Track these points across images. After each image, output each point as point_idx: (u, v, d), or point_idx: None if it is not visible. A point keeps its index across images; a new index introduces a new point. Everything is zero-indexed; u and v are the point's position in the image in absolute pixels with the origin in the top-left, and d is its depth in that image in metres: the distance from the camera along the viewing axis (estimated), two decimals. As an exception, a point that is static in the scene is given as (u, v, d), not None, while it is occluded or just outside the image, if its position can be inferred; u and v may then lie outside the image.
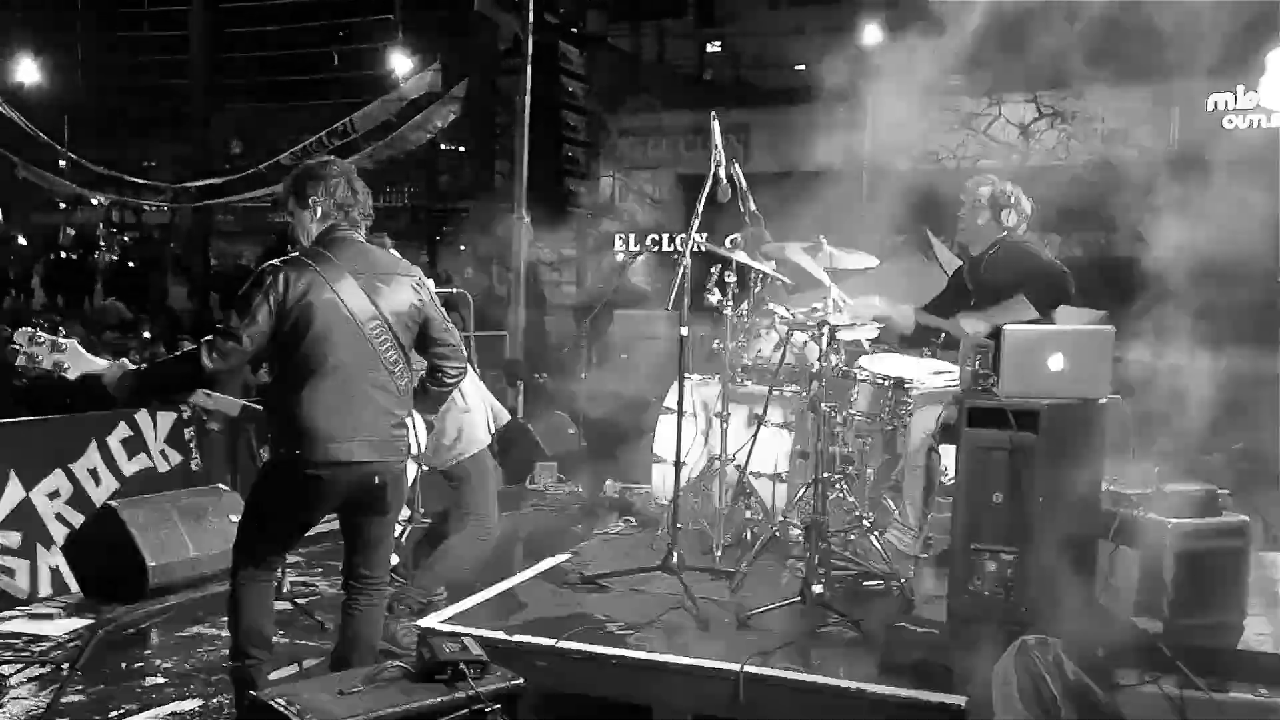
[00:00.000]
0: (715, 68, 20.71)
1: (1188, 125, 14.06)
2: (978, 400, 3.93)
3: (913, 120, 16.66)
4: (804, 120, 17.71)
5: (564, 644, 3.75)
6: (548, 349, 11.98)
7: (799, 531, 4.55)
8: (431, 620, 4.03)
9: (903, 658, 3.48)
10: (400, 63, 15.68)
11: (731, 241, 4.86)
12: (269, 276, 3.46)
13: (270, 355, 3.55)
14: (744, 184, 4.91)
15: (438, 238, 19.89)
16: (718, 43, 20.90)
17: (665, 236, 19.88)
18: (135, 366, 3.55)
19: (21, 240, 20.28)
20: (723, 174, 4.60)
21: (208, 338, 3.46)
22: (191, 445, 7.85)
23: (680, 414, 4.69)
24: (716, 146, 4.57)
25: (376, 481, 3.59)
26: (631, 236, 19.21)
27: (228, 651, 3.81)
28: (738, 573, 4.39)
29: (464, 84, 13.48)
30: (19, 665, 4.60)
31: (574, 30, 9.78)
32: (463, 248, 20.99)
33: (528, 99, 9.33)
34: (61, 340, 3.44)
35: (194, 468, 7.79)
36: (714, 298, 4.80)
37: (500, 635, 3.83)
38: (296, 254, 3.58)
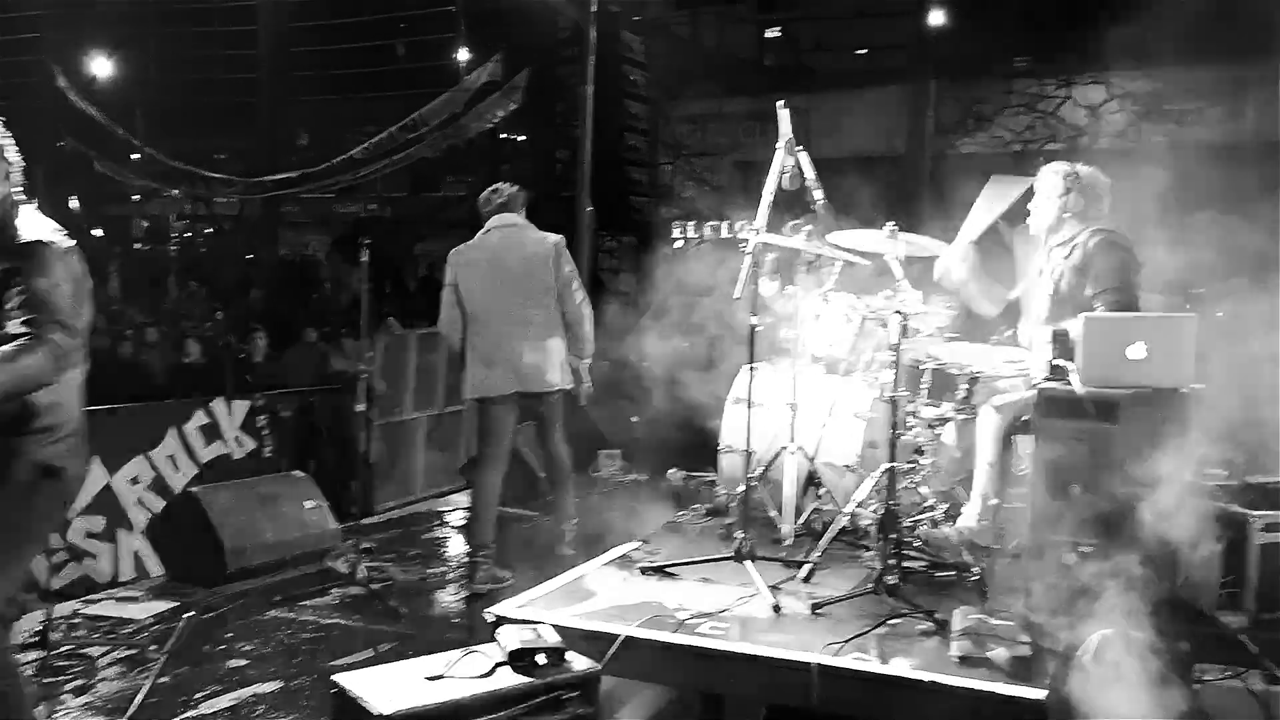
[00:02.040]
0: (775, 53, 20.54)
1: (1265, 107, 13.66)
2: (1054, 389, 3.87)
3: (977, 103, 16.41)
4: (865, 105, 17.56)
5: (636, 632, 3.77)
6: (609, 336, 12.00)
7: (870, 522, 4.52)
8: (503, 607, 4.08)
9: (979, 650, 3.45)
10: (464, 54, 15.79)
11: (794, 227, 4.83)
12: None
13: None
14: (812, 172, 4.86)
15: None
16: (777, 28, 20.72)
17: (725, 224, 19.82)
18: None
19: (96, 232, 20.80)
20: (791, 162, 4.56)
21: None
22: (264, 432, 8.04)
23: (750, 404, 4.69)
24: (785, 135, 4.54)
25: None
26: (690, 224, 19.17)
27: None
28: (809, 563, 4.38)
29: (525, 74, 13.58)
30: (106, 647, 4.75)
31: (635, 19, 9.77)
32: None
33: (590, 88, 9.35)
34: None
35: (266, 454, 7.98)
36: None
37: (570, 623, 3.86)
38: None
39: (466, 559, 5.83)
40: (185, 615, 3.70)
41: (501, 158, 19.63)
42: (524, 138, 18.86)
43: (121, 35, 19.22)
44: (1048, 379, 3.92)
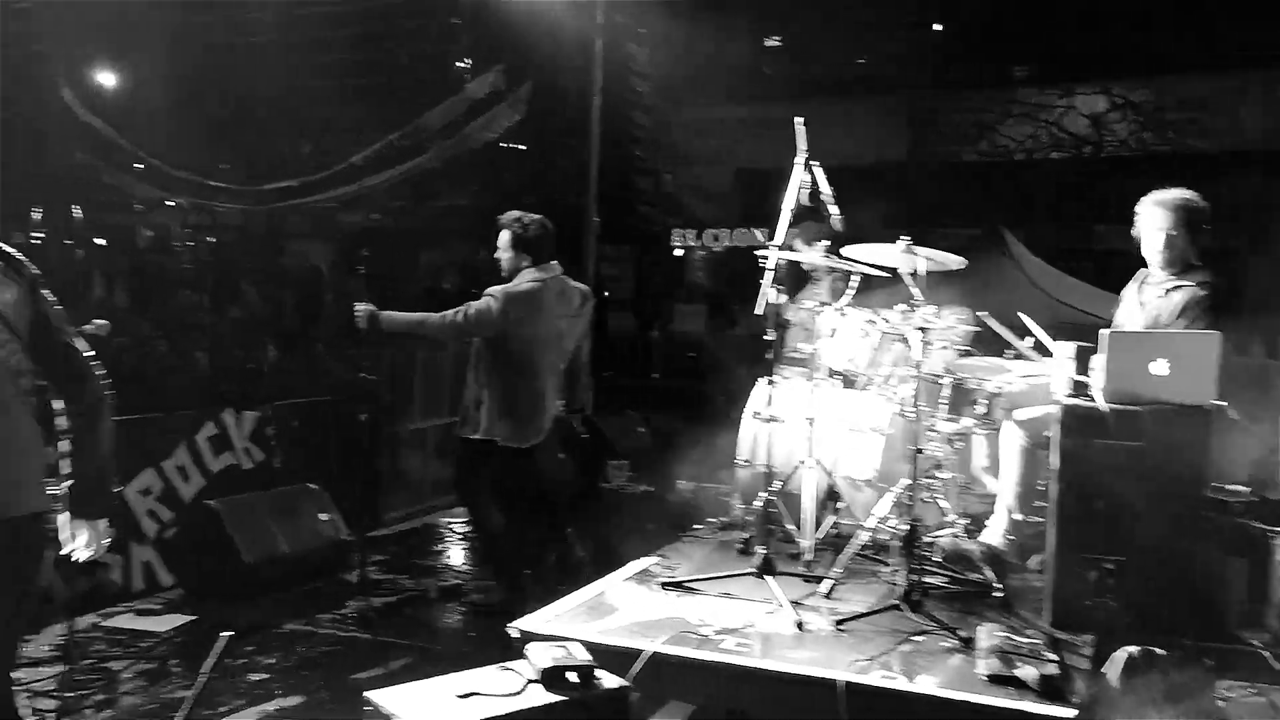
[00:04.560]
0: (774, 62, 20.59)
1: (1268, 113, 13.74)
2: (1077, 405, 3.89)
3: (979, 112, 16.49)
4: (865, 114, 17.64)
5: (661, 648, 3.78)
6: (613, 345, 12.05)
7: (891, 536, 4.53)
8: (526, 622, 4.08)
9: (1007, 668, 3.46)
10: (466, 63, 15.84)
11: (816, 243, 4.85)
12: None
13: None
14: (826, 185, 4.88)
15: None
16: (776, 37, 20.78)
17: (727, 232, 19.86)
18: None
19: (100, 241, 20.78)
20: (808, 177, 4.59)
21: None
22: (273, 443, 8.03)
23: (768, 417, 4.70)
24: (803, 150, 4.56)
25: None
26: (691, 232, 19.22)
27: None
28: (830, 578, 4.39)
29: (528, 85, 13.59)
30: (127, 661, 4.75)
31: (641, 30, 9.84)
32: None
33: (598, 99, 9.38)
34: None
35: (276, 465, 7.96)
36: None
37: (595, 638, 3.87)
38: None
39: (490, 583, 5.78)
40: (223, 634, 3.68)
41: (503, 167, 19.66)
42: (524, 147, 18.90)
43: (125, 46, 19.23)
44: (1071, 394, 3.94)
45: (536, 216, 5.58)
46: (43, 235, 18.27)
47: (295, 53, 17.79)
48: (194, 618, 5.39)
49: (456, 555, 7.14)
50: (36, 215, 21.40)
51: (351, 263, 16.07)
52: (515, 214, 5.57)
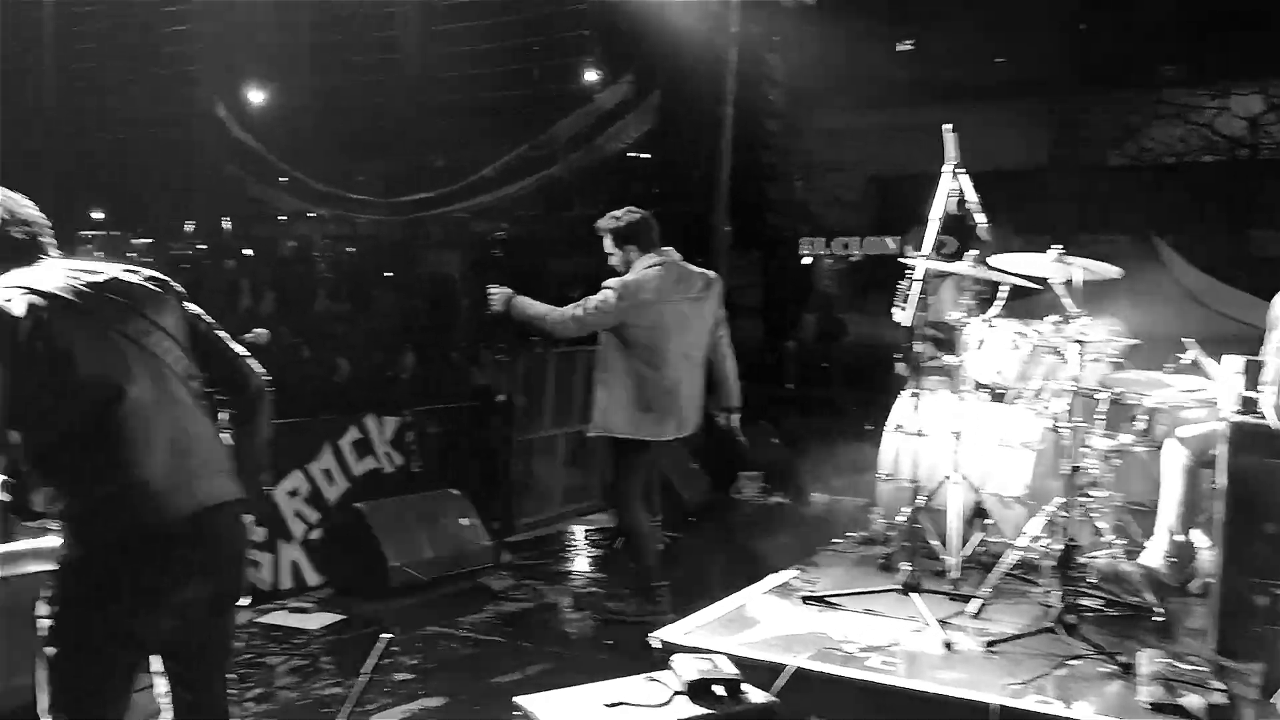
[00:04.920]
0: (908, 66, 20.22)
1: None
2: (1245, 422, 3.70)
3: (1125, 114, 15.85)
4: (1006, 117, 17.14)
5: (805, 664, 3.74)
6: (742, 354, 11.98)
7: (1043, 556, 4.38)
8: (668, 632, 4.09)
9: (1170, 697, 3.31)
10: (596, 75, 16.05)
11: (967, 253, 4.73)
12: None
13: None
14: (974, 195, 4.76)
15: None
16: (910, 40, 20.40)
17: (857, 239, 19.56)
18: None
19: (247, 252, 21.77)
20: (956, 186, 4.49)
21: None
22: (412, 448, 8.24)
23: (911, 431, 4.61)
24: (952, 158, 4.47)
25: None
26: (818, 240, 18.98)
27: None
28: (979, 597, 4.27)
29: (657, 94, 13.70)
30: (283, 657, 4.94)
31: (775, 38, 9.79)
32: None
33: (730, 108, 9.37)
34: None
35: (414, 469, 8.16)
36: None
37: (736, 651, 3.85)
38: None
39: (624, 591, 5.80)
40: (383, 635, 3.80)
41: (631, 176, 19.82)
42: (650, 156, 19.00)
43: (273, 65, 20.12)
44: (1238, 411, 3.75)
45: (629, 209, 5.56)
46: (205, 246, 19.17)
47: (430, 68, 18.33)
48: (343, 617, 5.56)
49: (590, 562, 7.20)
50: (189, 227, 22.58)
51: (484, 271, 16.42)
52: (609, 215, 5.57)
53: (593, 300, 5.39)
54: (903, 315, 4.40)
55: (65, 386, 2.52)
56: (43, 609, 2.55)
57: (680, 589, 5.46)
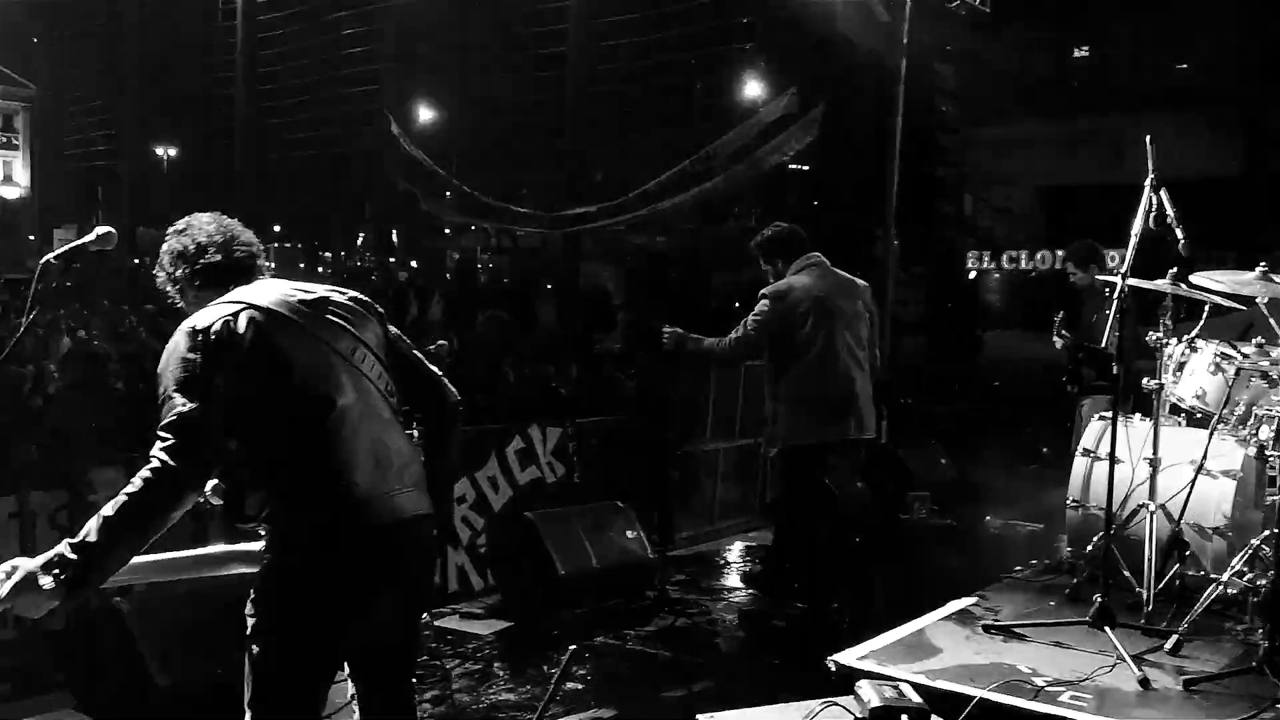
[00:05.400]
0: (1082, 73, 19.46)
1: None
2: None
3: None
4: (1187, 125, 16.28)
5: (990, 696, 3.60)
6: (907, 372, 11.71)
7: (1243, 591, 4.11)
8: (845, 656, 4.01)
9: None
10: (759, 88, 15.99)
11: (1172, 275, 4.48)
12: None
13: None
14: (1172, 209, 4.52)
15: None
16: (1085, 47, 19.65)
17: (1023, 254, 18.91)
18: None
19: (414, 264, 22.61)
20: (1155, 200, 4.27)
21: None
22: (574, 458, 8.35)
23: (1104, 457, 4.40)
24: (1152, 171, 4.24)
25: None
26: (986, 254, 18.43)
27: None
28: (1176, 633, 4.04)
29: (821, 107, 13.54)
30: (456, 661, 5.06)
31: (947, 48, 9.54)
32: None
33: (899, 120, 9.17)
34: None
35: (576, 480, 8.27)
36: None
37: (916, 678, 3.74)
38: None
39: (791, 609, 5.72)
40: (570, 647, 3.86)
41: (790, 189, 19.67)
42: (808, 168, 18.82)
43: (444, 84, 20.84)
44: None
45: (774, 224, 5.84)
46: (386, 260, 20.00)
47: (592, 83, 18.63)
48: (512, 624, 5.67)
49: (754, 579, 7.12)
50: (359, 240, 23.57)
51: (644, 284, 16.59)
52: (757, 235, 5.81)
53: (750, 317, 5.55)
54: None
55: (281, 397, 2.65)
56: (249, 608, 2.67)
57: (853, 609, 5.35)
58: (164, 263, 2.89)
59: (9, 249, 45.93)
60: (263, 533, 2.71)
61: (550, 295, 17.84)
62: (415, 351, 3.00)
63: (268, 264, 2.97)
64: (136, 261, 21.74)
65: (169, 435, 2.52)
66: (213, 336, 2.60)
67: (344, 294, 2.89)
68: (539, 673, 4.97)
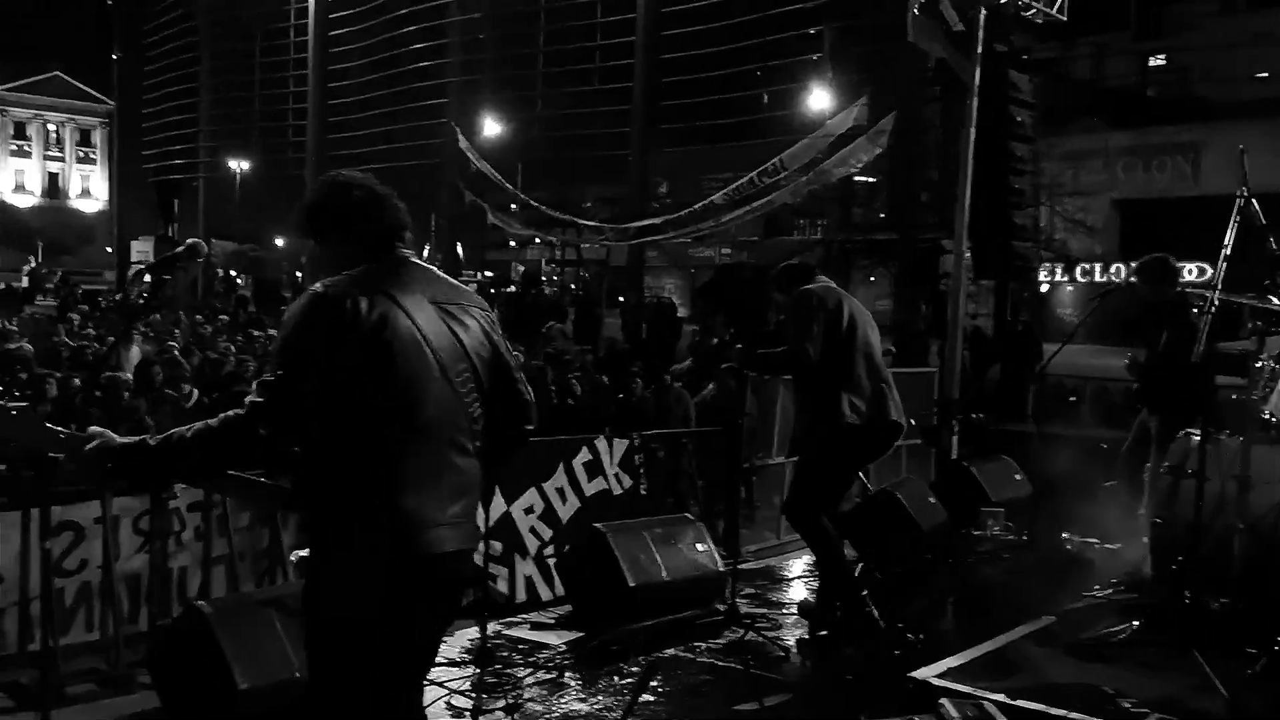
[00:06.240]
0: (1159, 83, 19.10)
1: None
2: None
3: None
4: (1264, 136, 15.86)
5: (1077, 717, 3.52)
6: (978, 386, 11.52)
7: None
8: (924, 672, 3.95)
9: None
10: (827, 99, 15.92)
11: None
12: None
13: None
14: (1262, 219, 4.41)
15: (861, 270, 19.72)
16: (1162, 56, 19.28)
17: (1097, 266, 18.55)
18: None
19: (479, 276, 22.87)
20: (1246, 210, 4.17)
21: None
22: (640, 470, 8.34)
23: (1190, 474, 4.29)
24: (1243, 182, 4.15)
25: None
26: (1059, 266, 18.12)
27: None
28: (1268, 655, 3.91)
29: (891, 117, 13.42)
30: (529, 670, 5.08)
31: (1024, 56, 9.40)
32: (871, 279, 20.87)
33: (973, 131, 9.05)
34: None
35: (642, 491, 8.27)
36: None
37: (1001, 699, 3.67)
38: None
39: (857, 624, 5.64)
40: (648, 658, 3.86)
41: (855, 201, 19.53)
42: (874, 180, 18.67)
43: (511, 99, 21.08)
44: None
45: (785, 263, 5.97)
46: (456, 273, 20.26)
47: (659, 97, 18.71)
48: (582, 634, 5.67)
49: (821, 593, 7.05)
50: (425, 253, 23.91)
51: (707, 296, 16.57)
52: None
53: (791, 320, 5.55)
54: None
55: (370, 395, 2.59)
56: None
57: (925, 626, 5.26)
58: (314, 210, 2.82)
59: (86, 261, 47.43)
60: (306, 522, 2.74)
61: (614, 307, 17.90)
62: (517, 373, 2.92)
63: (414, 253, 2.86)
64: (222, 273, 22.22)
65: (260, 394, 2.57)
66: (336, 312, 2.57)
67: (472, 301, 2.84)
68: (610, 683, 4.96)
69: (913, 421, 9.33)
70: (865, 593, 5.50)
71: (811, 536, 5.63)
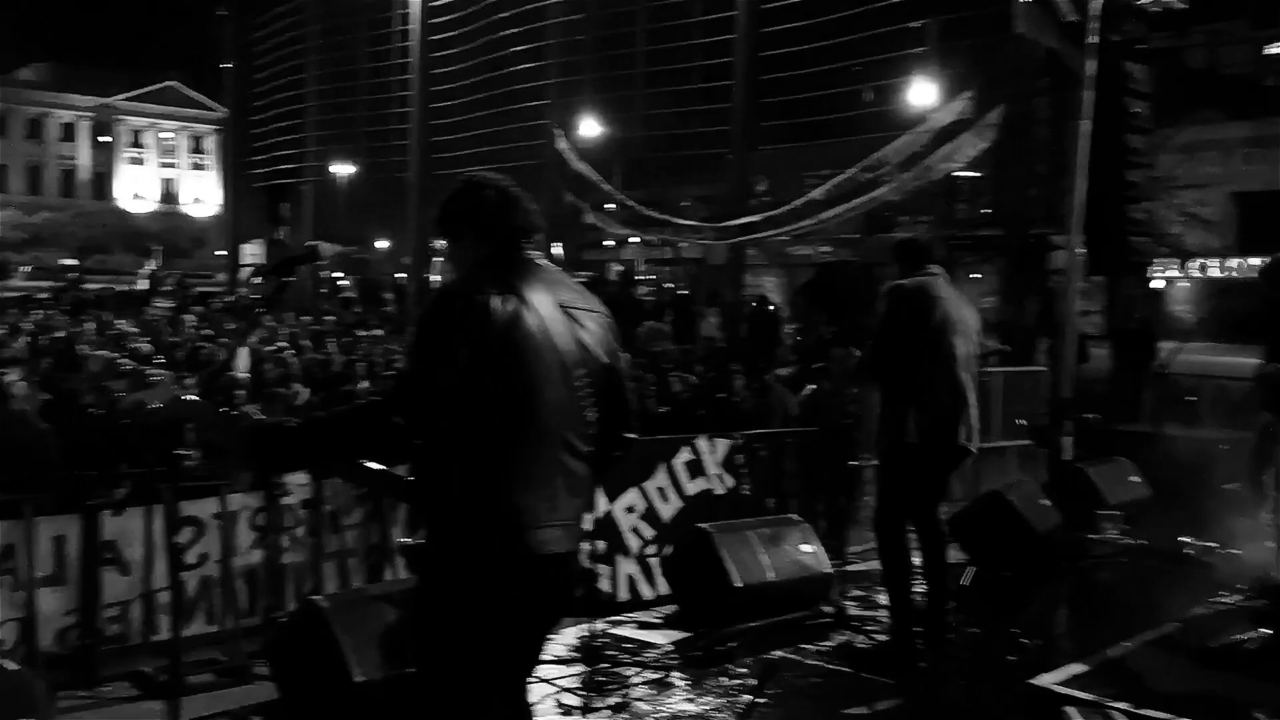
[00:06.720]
0: (1278, 71, 18.28)
1: None
2: None
3: None
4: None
5: (1208, 731, 3.38)
6: (1093, 385, 11.15)
7: None
8: (1044, 679, 3.84)
9: None
10: (931, 93, 15.61)
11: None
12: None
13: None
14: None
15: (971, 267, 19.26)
16: (1278, 45, 18.45)
17: (1215, 262, 17.83)
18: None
19: (578, 276, 23.07)
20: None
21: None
22: (743, 471, 8.29)
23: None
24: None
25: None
26: (1175, 262, 17.44)
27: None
28: None
29: (999, 110, 13.12)
30: (636, 669, 5.08)
31: (1139, 46, 9.05)
32: (976, 275, 20.39)
33: (1087, 124, 8.74)
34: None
35: (744, 492, 8.21)
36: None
37: (1126, 707, 3.55)
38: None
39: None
40: (767, 661, 3.83)
41: (959, 197, 19.13)
42: (980, 175, 18.24)
43: (609, 99, 21.16)
44: None
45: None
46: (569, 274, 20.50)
47: (760, 94, 18.58)
48: (689, 634, 5.65)
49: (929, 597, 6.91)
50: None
51: (808, 294, 16.39)
52: None
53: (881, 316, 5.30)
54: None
55: (496, 395, 2.61)
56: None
57: (1041, 631, 5.12)
58: (449, 209, 2.85)
59: (200, 264, 49.23)
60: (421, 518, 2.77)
61: (713, 306, 17.83)
62: (628, 382, 2.93)
63: (542, 254, 2.87)
64: (326, 274, 22.79)
65: (399, 386, 2.67)
66: (470, 307, 2.59)
67: (595, 306, 2.84)
68: (716, 684, 4.94)
69: (1024, 422, 9.10)
70: (920, 629, 5.29)
71: (880, 546, 5.44)
